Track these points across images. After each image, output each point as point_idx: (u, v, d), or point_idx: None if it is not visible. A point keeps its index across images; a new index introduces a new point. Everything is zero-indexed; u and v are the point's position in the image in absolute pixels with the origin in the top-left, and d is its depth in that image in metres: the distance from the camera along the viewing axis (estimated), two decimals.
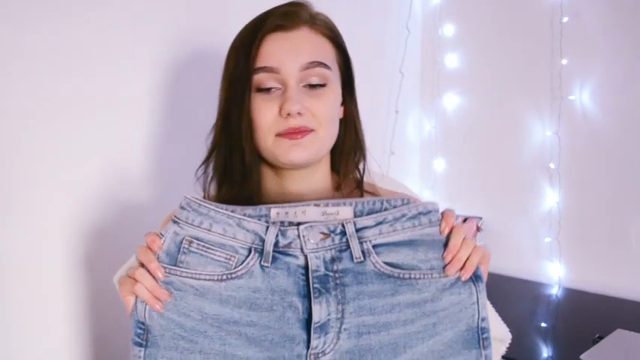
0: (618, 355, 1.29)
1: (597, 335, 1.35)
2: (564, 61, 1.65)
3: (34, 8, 1.05)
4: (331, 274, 0.74)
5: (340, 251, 0.74)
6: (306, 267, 0.74)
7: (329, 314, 0.73)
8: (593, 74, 1.62)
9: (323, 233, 0.74)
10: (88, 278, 1.16)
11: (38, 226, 1.08)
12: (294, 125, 0.84)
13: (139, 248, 0.77)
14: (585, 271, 1.67)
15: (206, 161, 0.90)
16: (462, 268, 0.76)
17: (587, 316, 1.54)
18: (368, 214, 0.75)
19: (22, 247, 1.07)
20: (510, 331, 1.10)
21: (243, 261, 0.74)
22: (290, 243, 0.74)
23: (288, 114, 0.83)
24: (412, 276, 0.74)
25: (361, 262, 0.74)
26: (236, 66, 0.87)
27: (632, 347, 1.32)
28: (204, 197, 0.90)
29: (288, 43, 0.86)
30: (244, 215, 0.75)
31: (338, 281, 0.74)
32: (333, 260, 0.74)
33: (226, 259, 0.74)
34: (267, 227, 0.74)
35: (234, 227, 0.74)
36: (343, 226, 0.74)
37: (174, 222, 0.75)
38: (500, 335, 1.11)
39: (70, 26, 1.10)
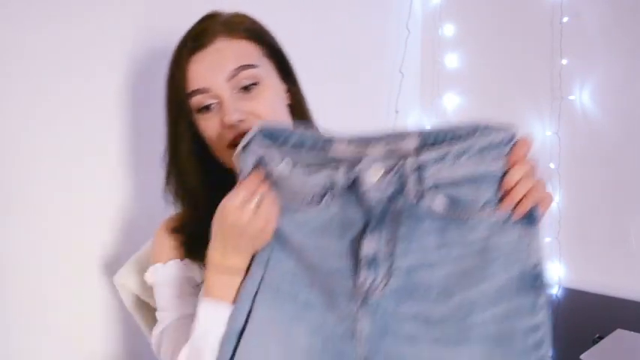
0: (618, 355, 1.29)
1: (597, 335, 1.35)
2: (564, 61, 1.65)
3: (33, 8, 1.05)
4: (388, 211, 0.73)
5: (400, 189, 0.72)
6: (369, 203, 0.74)
7: (379, 249, 0.73)
8: (593, 74, 1.62)
9: (384, 170, 0.72)
10: (88, 278, 1.16)
11: (38, 226, 1.08)
12: (239, 132, 0.87)
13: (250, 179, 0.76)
14: (585, 271, 1.67)
15: (166, 185, 0.95)
16: (515, 208, 0.70)
17: (587, 316, 1.53)
18: (433, 144, 0.70)
19: (22, 247, 1.07)
20: None
21: (319, 197, 0.75)
22: (356, 180, 0.73)
23: (230, 125, 0.86)
24: (465, 215, 0.71)
25: (417, 200, 0.71)
26: (169, 98, 0.91)
27: (632, 347, 1.32)
28: (169, 218, 0.97)
29: (208, 60, 0.89)
30: (311, 153, 0.76)
31: (394, 218, 0.73)
32: (391, 197, 0.73)
33: (301, 191, 0.76)
34: (335, 169, 0.74)
35: (304, 171, 0.76)
36: (404, 162, 0.71)
37: (249, 155, 0.77)
38: None
39: (70, 26, 1.10)
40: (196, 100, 0.89)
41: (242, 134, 0.84)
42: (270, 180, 0.77)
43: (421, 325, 0.73)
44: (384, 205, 0.73)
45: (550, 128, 1.70)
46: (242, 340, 0.77)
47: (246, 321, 0.77)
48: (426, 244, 0.72)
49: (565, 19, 1.64)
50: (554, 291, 1.68)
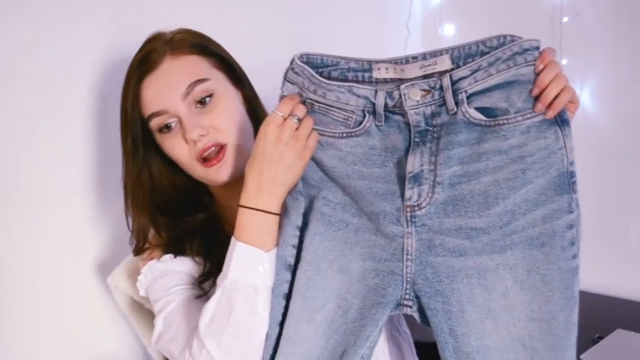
0: (618, 355, 1.29)
1: (597, 335, 1.35)
2: (564, 61, 1.65)
3: (33, 8, 1.05)
4: (430, 128, 0.75)
5: (439, 106, 0.75)
6: (412, 123, 0.76)
7: (422, 165, 0.75)
8: (593, 74, 1.62)
9: (424, 90, 0.75)
10: (86, 279, 1.16)
11: (35, 227, 1.08)
12: (203, 147, 0.88)
13: (285, 101, 0.78)
14: (585, 271, 1.66)
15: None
16: (549, 106, 0.71)
17: (587, 316, 1.53)
18: (465, 59, 0.75)
19: (18, 247, 1.07)
20: None
21: (360, 122, 0.77)
22: (396, 102, 0.76)
23: (194, 141, 0.88)
24: (500, 122, 0.73)
25: (454, 114, 0.74)
26: (127, 121, 0.91)
27: (632, 347, 1.32)
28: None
29: (159, 82, 0.89)
30: (351, 78, 0.78)
31: (435, 134, 0.75)
32: (432, 115, 0.75)
33: (344, 118, 0.78)
34: (376, 91, 0.76)
35: (345, 94, 0.77)
36: (441, 80, 0.75)
37: (290, 82, 0.80)
38: None
39: (70, 26, 1.10)
40: (155, 123, 0.89)
41: (206, 148, 0.88)
42: (310, 108, 0.79)
43: (465, 237, 0.75)
44: (425, 123, 0.75)
45: None
46: (299, 272, 0.79)
47: (298, 257, 0.80)
48: (465, 155, 0.74)
49: (565, 19, 1.64)
50: None
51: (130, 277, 1.05)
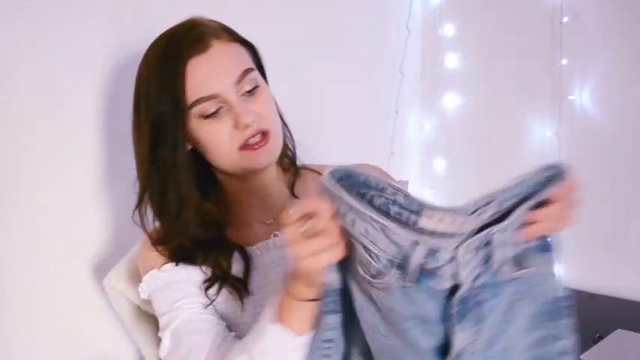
0: (618, 355, 1.29)
1: (597, 335, 1.35)
2: (564, 61, 1.65)
3: (33, 8, 1.05)
4: (473, 293, 0.64)
5: (483, 265, 0.63)
6: (451, 290, 0.63)
7: (468, 339, 0.65)
8: (593, 74, 1.62)
9: (477, 248, 0.62)
10: (88, 278, 1.16)
11: (33, 227, 1.08)
12: (251, 133, 0.87)
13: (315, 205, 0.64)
14: (585, 271, 1.66)
15: (139, 205, 0.92)
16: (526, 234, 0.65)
17: (587, 316, 1.53)
18: (509, 201, 0.63)
19: (17, 247, 1.07)
20: None
21: (382, 273, 0.63)
22: (440, 267, 0.62)
23: (246, 125, 0.86)
24: (517, 276, 0.66)
25: (498, 271, 0.64)
26: (162, 105, 0.85)
27: (632, 347, 1.32)
28: (149, 234, 0.94)
29: (211, 65, 0.86)
30: (393, 214, 0.62)
31: (477, 299, 0.64)
32: (476, 277, 0.64)
33: (367, 261, 0.64)
34: (416, 243, 0.62)
35: (377, 232, 0.62)
36: (491, 237, 0.62)
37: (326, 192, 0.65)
38: None
39: (70, 26, 1.10)
40: (203, 107, 0.86)
41: (254, 134, 0.87)
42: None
43: None
44: (470, 288, 0.63)
45: (550, 128, 1.70)
46: None
47: None
48: (500, 319, 0.67)
49: (565, 19, 1.64)
50: None
51: (127, 279, 1.05)
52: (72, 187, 1.12)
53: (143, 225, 0.94)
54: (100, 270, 1.15)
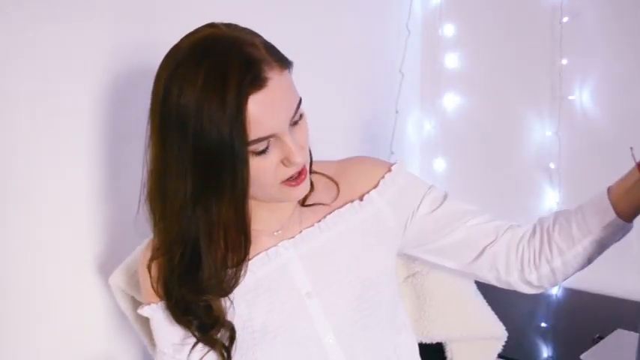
0: (618, 355, 1.29)
1: (597, 335, 1.35)
2: (564, 61, 1.65)
3: (24, 11, 1.05)
4: None
5: None
6: None
7: None
8: (593, 74, 1.62)
9: None
10: (86, 278, 1.16)
11: (35, 227, 1.08)
12: (298, 169, 0.84)
13: None
14: (585, 271, 1.66)
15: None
16: None
17: (587, 316, 1.54)
18: None
19: (19, 247, 1.07)
20: (511, 331, 1.10)
21: None
22: None
23: (296, 163, 0.82)
24: None
25: None
26: (220, 137, 0.76)
27: (632, 347, 1.32)
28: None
29: (272, 102, 0.78)
30: None
31: None
32: None
33: None
34: None
35: None
36: None
37: None
38: (496, 333, 1.11)
39: (70, 26, 1.10)
40: (260, 146, 0.79)
41: (299, 173, 0.83)
42: None
43: None
44: None
45: (550, 128, 1.70)
46: None
47: None
48: None
49: (565, 19, 1.64)
50: (554, 291, 1.68)
51: (131, 278, 1.05)
52: (73, 187, 1.12)
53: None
54: (101, 270, 1.15)
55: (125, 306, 1.08)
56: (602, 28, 1.60)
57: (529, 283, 0.95)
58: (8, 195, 1.04)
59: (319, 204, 0.96)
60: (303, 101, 0.85)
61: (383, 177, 0.98)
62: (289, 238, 0.93)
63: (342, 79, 1.66)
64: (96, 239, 1.16)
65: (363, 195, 0.97)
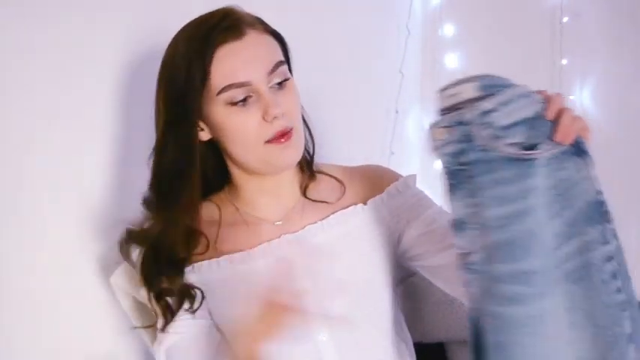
0: None
1: None
2: (564, 61, 1.65)
3: (28, 8, 1.05)
4: (461, 167, 0.72)
5: (467, 142, 0.71)
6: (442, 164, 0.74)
7: (465, 209, 0.72)
8: (593, 74, 1.62)
9: (445, 127, 0.72)
10: (86, 278, 1.16)
11: (35, 226, 1.08)
12: (280, 128, 0.86)
13: None
14: None
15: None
16: (565, 135, 0.73)
17: None
18: (489, 88, 0.73)
19: (18, 247, 1.07)
20: None
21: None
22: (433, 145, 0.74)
23: (275, 117, 0.84)
24: (532, 156, 0.71)
25: (484, 149, 0.71)
26: (187, 83, 0.84)
27: None
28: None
29: (246, 52, 0.85)
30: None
31: (468, 174, 0.72)
32: (461, 153, 0.72)
33: None
34: None
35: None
36: (464, 114, 0.71)
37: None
38: None
39: (66, 25, 1.10)
40: (233, 94, 0.85)
41: (281, 132, 0.85)
42: None
43: (522, 283, 0.70)
44: (455, 162, 0.72)
45: None
46: None
47: None
48: (508, 194, 0.70)
49: (565, 19, 1.63)
50: None
51: (133, 277, 1.05)
52: (74, 187, 1.12)
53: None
54: (102, 269, 1.15)
55: (126, 306, 1.08)
56: (602, 28, 1.59)
57: None
58: (9, 194, 1.04)
59: (323, 202, 0.96)
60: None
61: (390, 186, 0.98)
62: (292, 232, 0.94)
63: (342, 78, 1.66)
64: (97, 239, 1.16)
65: (367, 200, 0.97)
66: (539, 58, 1.71)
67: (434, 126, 0.72)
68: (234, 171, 0.95)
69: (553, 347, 0.70)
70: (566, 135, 0.72)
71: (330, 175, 1.00)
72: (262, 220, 0.95)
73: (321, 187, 0.99)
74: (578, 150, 0.73)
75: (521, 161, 0.70)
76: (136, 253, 0.98)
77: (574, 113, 0.74)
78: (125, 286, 1.06)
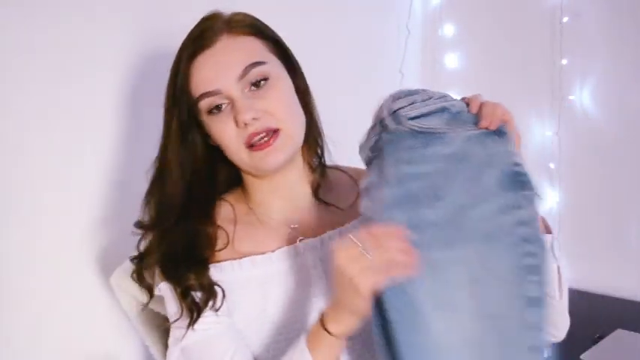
0: (618, 355, 1.29)
1: (597, 335, 1.35)
2: (564, 61, 1.65)
3: (33, 9, 1.05)
4: (376, 153, 0.80)
5: (382, 132, 0.80)
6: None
7: (373, 178, 0.78)
8: (593, 74, 1.62)
9: (372, 127, 0.82)
10: (90, 277, 1.16)
11: (36, 226, 1.08)
12: (254, 131, 0.85)
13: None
14: (585, 271, 1.67)
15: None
16: (489, 122, 0.77)
17: (587, 316, 1.53)
18: (399, 93, 0.81)
19: (19, 246, 1.07)
20: None
21: None
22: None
23: (245, 124, 0.84)
24: (441, 131, 0.77)
25: (395, 129, 0.78)
26: (172, 103, 0.89)
27: (632, 347, 1.32)
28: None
29: (214, 60, 0.86)
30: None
31: (380, 154, 0.79)
32: (377, 141, 0.81)
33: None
34: None
35: None
36: (381, 114, 0.80)
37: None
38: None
39: (69, 27, 1.10)
40: (206, 103, 0.86)
41: (257, 133, 0.85)
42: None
43: (414, 232, 0.73)
44: (373, 150, 0.81)
45: (550, 128, 1.70)
46: None
47: None
48: (412, 157, 0.77)
49: (565, 19, 1.64)
50: None
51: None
52: (74, 187, 1.13)
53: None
54: (103, 269, 1.15)
55: (127, 306, 1.08)
56: (602, 28, 1.60)
57: None
58: (10, 194, 1.04)
59: (334, 206, 0.96)
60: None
61: None
62: (312, 237, 0.94)
63: (342, 79, 1.66)
64: (97, 239, 1.16)
65: None
66: (539, 58, 1.71)
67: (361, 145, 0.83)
68: (243, 173, 0.95)
69: (456, 296, 0.73)
70: (490, 120, 0.77)
71: (350, 176, 1.00)
72: (277, 221, 0.94)
73: (334, 189, 0.98)
74: (499, 132, 0.78)
75: (429, 135, 0.77)
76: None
77: (493, 103, 0.80)
78: (125, 286, 1.06)
